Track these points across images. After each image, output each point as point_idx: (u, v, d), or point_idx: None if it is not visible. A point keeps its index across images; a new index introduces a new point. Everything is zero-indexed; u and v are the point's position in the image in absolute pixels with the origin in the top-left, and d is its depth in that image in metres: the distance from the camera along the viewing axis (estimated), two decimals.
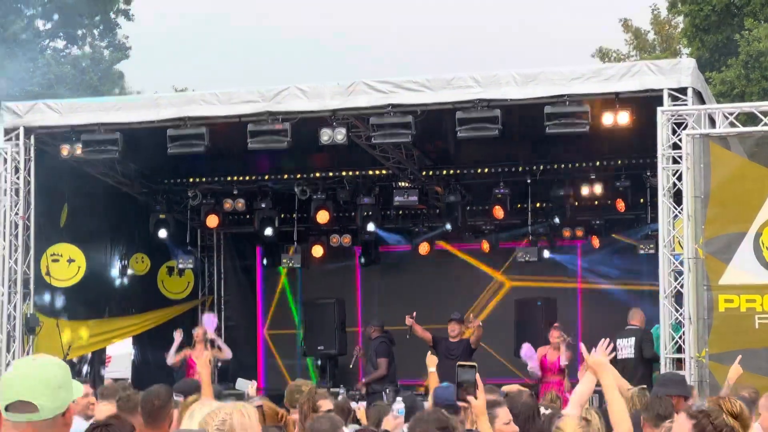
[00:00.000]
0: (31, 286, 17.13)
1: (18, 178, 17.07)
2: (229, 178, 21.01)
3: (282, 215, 21.65)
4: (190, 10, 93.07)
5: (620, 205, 19.52)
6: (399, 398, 10.57)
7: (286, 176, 20.76)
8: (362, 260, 22.94)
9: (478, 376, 6.35)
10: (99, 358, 20.43)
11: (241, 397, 11.85)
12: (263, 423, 5.98)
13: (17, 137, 17.17)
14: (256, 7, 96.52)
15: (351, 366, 20.29)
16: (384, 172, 19.98)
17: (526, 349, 17.26)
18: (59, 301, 18.50)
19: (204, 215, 21.30)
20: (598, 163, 19.56)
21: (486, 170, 20.19)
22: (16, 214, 17.02)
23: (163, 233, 20.93)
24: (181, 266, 21.54)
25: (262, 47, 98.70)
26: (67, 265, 18.47)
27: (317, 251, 22.56)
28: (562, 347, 17.18)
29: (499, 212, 19.94)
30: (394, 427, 9.71)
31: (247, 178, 20.98)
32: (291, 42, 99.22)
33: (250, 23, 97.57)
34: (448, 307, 19.32)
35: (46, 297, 18.12)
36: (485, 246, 21.70)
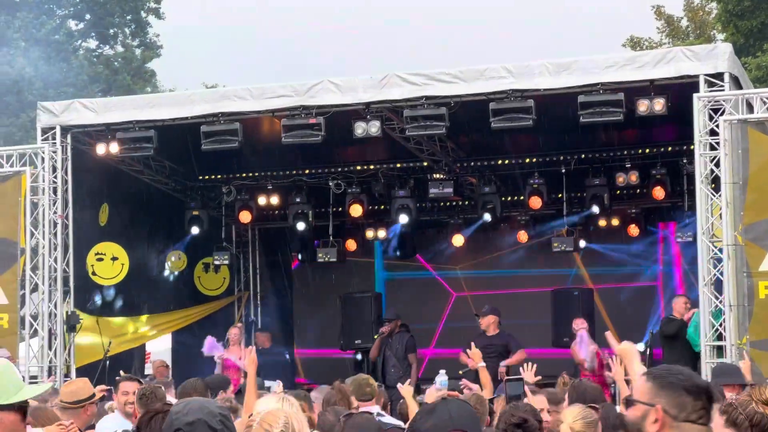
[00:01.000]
0: (71, 284, 17.25)
1: (56, 177, 17.19)
2: (263, 174, 21.04)
3: (316, 210, 21.66)
4: (222, 5, 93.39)
5: (658, 193, 19.34)
6: (442, 371, 10.50)
7: (320, 170, 20.77)
8: (398, 254, 22.83)
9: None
10: (140, 355, 20.54)
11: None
12: None
13: (54, 137, 17.29)
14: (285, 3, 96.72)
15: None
16: (418, 164, 19.95)
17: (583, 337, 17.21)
18: (99, 299, 18.63)
19: (238, 211, 21.35)
20: (633, 152, 19.45)
21: (520, 161, 20.12)
22: (55, 212, 17.14)
23: (198, 230, 21.00)
24: (216, 263, 21.59)
25: (292, 42, 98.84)
26: (111, 263, 18.61)
27: (352, 245, 22.55)
28: (583, 337, 17.19)
29: (536, 203, 19.83)
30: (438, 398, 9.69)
31: (281, 173, 21.00)
32: (324, 36, 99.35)
33: (280, 18, 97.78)
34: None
35: (87, 295, 18.24)
36: (523, 237, 21.56)
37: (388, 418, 9.23)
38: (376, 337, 19.26)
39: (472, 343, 11.40)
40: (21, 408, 4.11)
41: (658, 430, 4.20)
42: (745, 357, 12.66)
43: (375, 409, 8.95)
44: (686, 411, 4.25)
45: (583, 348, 17.23)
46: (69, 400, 9.32)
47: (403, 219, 20.31)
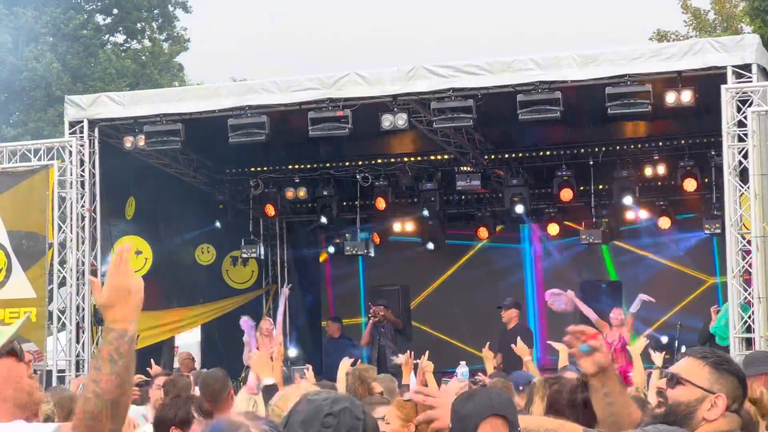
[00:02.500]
0: (99, 277, 17.30)
1: (83, 170, 17.26)
2: (290, 167, 21.07)
3: (344, 202, 21.67)
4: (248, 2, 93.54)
5: (689, 184, 19.24)
6: (462, 362, 10.51)
7: (347, 163, 20.79)
8: (429, 246, 22.79)
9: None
10: (168, 348, 20.60)
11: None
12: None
13: (81, 130, 17.37)
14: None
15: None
16: (446, 156, 19.93)
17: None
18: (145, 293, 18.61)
19: (265, 204, 21.39)
20: (661, 143, 19.37)
21: (548, 153, 20.07)
22: (82, 206, 17.21)
23: (225, 223, 21.04)
24: (244, 256, 21.62)
25: (321, 36, 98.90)
26: (135, 257, 18.66)
27: (380, 238, 22.54)
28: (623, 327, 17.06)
29: (567, 194, 19.81)
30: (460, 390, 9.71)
31: (309, 165, 21.03)
32: (350, 31, 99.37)
33: (307, 13, 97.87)
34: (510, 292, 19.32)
35: None
36: (553, 229, 21.46)
37: None
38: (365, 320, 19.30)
39: (518, 339, 11.39)
40: (10, 353, 4.03)
41: (716, 418, 4.21)
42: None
43: None
44: (737, 402, 4.30)
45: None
46: None
47: (431, 212, 20.31)
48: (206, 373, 9.92)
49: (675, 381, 4.29)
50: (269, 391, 7.31)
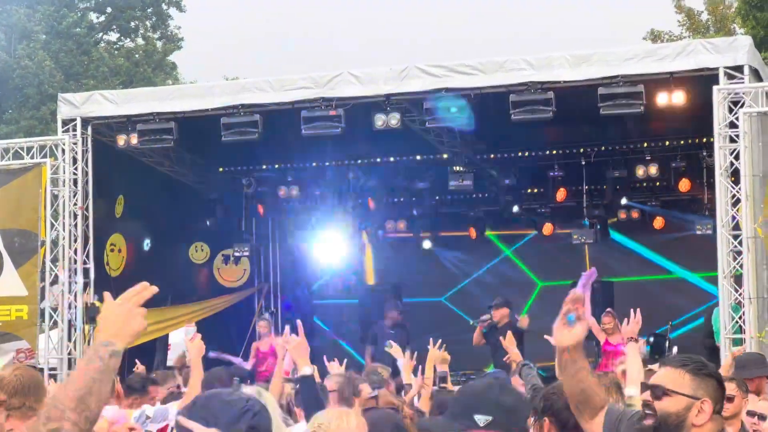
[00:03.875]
0: (91, 276, 17.31)
1: (76, 168, 17.25)
2: (282, 165, 21.08)
3: (337, 201, 21.70)
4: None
5: (683, 185, 19.31)
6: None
7: (340, 162, 20.79)
8: (423, 245, 22.78)
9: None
10: (162, 346, 20.59)
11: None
12: None
13: (74, 128, 17.36)
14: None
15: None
16: (438, 156, 19.95)
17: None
18: (120, 290, 18.60)
19: (258, 203, 21.39)
20: (653, 144, 19.41)
21: (540, 153, 20.10)
22: (75, 204, 17.20)
23: (217, 221, 21.05)
24: (236, 254, 21.61)
25: (315, 35, 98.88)
26: (118, 254, 18.68)
27: (371, 237, 22.55)
28: (617, 331, 17.03)
29: (561, 194, 19.91)
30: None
31: (301, 165, 21.04)
32: (344, 29, 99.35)
33: (302, 12, 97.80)
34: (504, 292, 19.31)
35: (107, 286, 18.27)
36: (547, 229, 21.48)
37: None
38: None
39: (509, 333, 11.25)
40: None
41: (705, 422, 4.32)
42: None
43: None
44: (719, 403, 4.42)
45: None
46: None
47: (424, 211, 20.35)
48: (210, 371, 9.96)
49: (661, 392, 4.38)
50: (307, 383, 7.33)
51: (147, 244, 19.70)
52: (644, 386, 4.48)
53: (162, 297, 20.06)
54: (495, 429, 4.08)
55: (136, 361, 12.99)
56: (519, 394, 4.31)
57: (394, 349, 10.93)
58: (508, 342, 10.49)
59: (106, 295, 3.97)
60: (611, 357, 16.96)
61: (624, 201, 19.95)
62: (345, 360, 10.99)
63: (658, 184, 20.30)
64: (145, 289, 3.89)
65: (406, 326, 19.08)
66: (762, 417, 7.54)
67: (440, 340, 10.86)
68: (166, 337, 20.96)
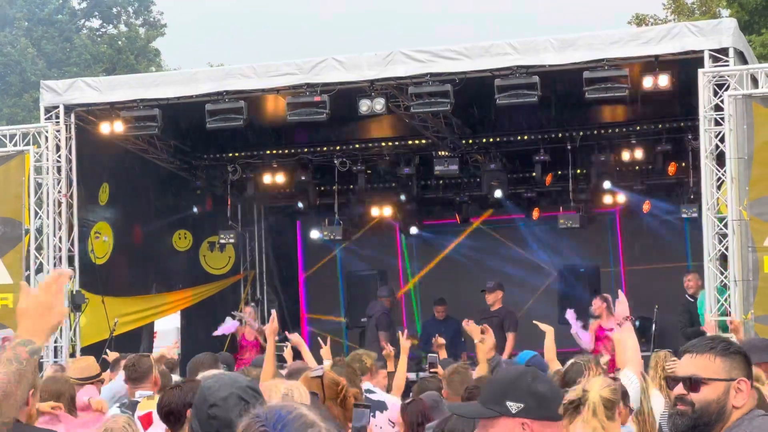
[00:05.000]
0: (76, 263, 17.27)
1: (59, 156, 17.18)
2: (268, 152, 21.03)
3: (322, 188, 21.65)
4: None
5: (671, 168, 19.36)
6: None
7: (325, 148, 20.76)
8: (411, 230, 22.78)
9: None
10: (148, 334, 20.57)
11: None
12: (322, 396, 5.96)
13: (57, 116, 17.28)
14: None
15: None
16: (424, 141, 19.93)
17: (570, 314, 16.88)
18: (105, 278, 18.63)
19: (243, 189, 21.35)
20: (638, 128, 19.41)
21: (526, 137, 20.09)
22: (59, 192, 17.13)
23: (203, 208, 21.01)
24: (222, 241, 21.53)
25: (298, 23, 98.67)
26: (103, 242, 18.64)
27: (357, 223, 22.52)
28: (605, 314, 17.04)
29: (547, 179, 20.00)
30: None
31: (286, 151, 21.00)
32: (330, 18, 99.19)
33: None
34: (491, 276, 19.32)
35: (93, 274, 18.24)
36: (535, 214, 21.49)
37: (378, 395, 9.30)
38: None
39: (471, 321, 11.09)
40: None
41: (745, 401, 4.18)
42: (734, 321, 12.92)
43: (366, 385, 8.98)
44: (751, 377, 4.27)
45: (583, 336, 16.93)
46: (79, 376, 9.47)
47: (409, 196, 20.33)
48: (195, 357, 9.98)
49: (698, 383, 4.21)
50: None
51: (133, 231, 19.65)
52: (672, 380, 4.28)
53: (147, 284, 20.12)
54: (527, 416, 4.05)
55: (106, 350, 12.98)
56: (551, 383, 4.27)
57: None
58: (472, 328, 10.25)
59: (22, 285, 3.87)
60: (604, 342, 16.96)
61: (609, 185, 19.92)
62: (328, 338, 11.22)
63: (643, 167, 20.27)
64: (61, 276, 3.75)
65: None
66: None
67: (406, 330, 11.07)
68: (152, 324, 20.93)
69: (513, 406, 4.04)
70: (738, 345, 4.35)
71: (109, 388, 10.02)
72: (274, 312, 8.92)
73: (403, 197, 21.18)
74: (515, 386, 4.10)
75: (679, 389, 4.23)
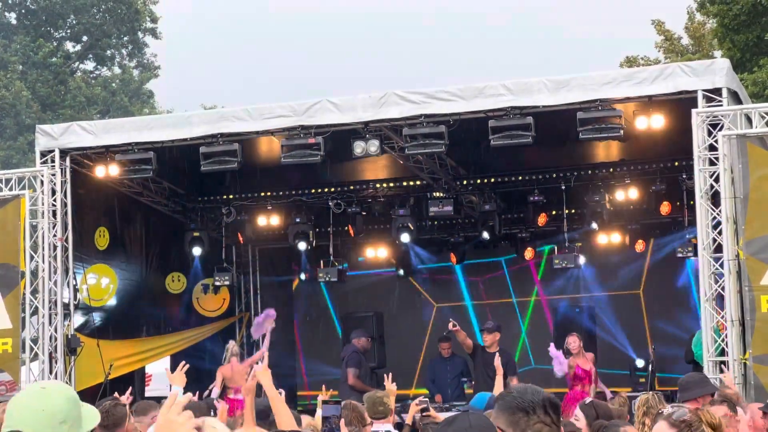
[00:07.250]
0: (71, 307, 17.23)
1: (55, 200, 17.16)
2: (262, 194, 21.04)
3: (317, 229, 21.63)
4: (217, 23, 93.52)
5: (665, 208, 19.39)
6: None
7: (320, 190, 20.76)
8: (400, 272, 22.86)
9: None
10: (140, 378, 20.47)
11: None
12: None
13: (53, 159, 17.28)
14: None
15: None
16: (418, 182, 19.94)
17: (552, 348, 16.87)
18: (99, 322, 18.58)
19: (238, 232, 21.33)
20: (632, 167, 19.44)
21: (520, 177, 20.11)
22: (54, 235, 17.11)
23: (197, 251, 20.98)
24: (217, 283, 21.49)
25: (289, 60, 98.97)
26: (102, 285, 18.60)
27: (353, 265, 22.51)
28: (582, 352, 17.13)
29: (541, 219, 20.01)
30: None
31: (281, 193, 21.00)
32: (317, 61, 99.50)
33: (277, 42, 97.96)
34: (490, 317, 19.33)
35: (86, 318, 18.20)
36: (529, 254, 21.55)
37: None
38: None
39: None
40: None
41: None
42: (724, 370, 12.85)
43: (386, 427, 8.95)
44: (520, 428, 4.31)
45: (557, 365, 16.92)
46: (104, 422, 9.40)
47: (404, 238, 20.30)
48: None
49: None
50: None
51: (127, 274, 19.62)
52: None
53: (138, 328, 20.05)
54: None
55: (116, 393, 12.86)
56: (490, 423, 4.30)
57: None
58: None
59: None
60: (584, 382, 16.96)
61: (604, 225, 19.94)
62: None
63: (638, 207, 20.27)
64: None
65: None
66: None
67: (390, 374, 11.39)
68: (143, 369, 20.81)
69: None
70: (519, 395, 4.40)
71: None
72: (255, 368, 8.44)
73: (404, 237, 21.10)
74: (456, 427, 4.12)
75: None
